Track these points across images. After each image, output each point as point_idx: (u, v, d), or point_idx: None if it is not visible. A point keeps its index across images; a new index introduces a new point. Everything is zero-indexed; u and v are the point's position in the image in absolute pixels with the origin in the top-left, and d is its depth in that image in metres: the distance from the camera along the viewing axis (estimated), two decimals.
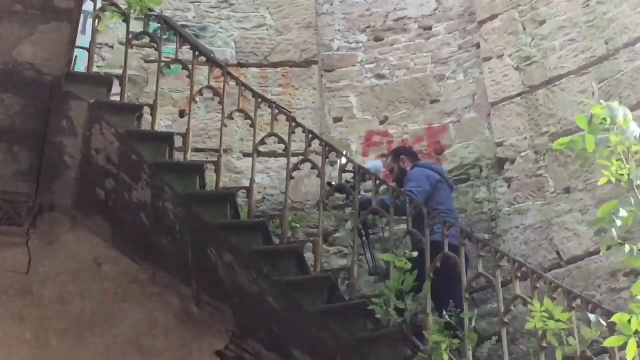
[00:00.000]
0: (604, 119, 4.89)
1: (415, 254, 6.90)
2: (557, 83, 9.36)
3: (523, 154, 9.38)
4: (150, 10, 7.76)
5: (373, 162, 8.86)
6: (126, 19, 7.71)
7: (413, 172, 8.76)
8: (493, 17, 10.22)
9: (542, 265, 8.54)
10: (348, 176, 7.76)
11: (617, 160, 4.94)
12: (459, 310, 6.85)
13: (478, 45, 10.36)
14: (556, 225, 8.82)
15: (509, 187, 9.41)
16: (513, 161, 9.44)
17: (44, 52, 6.62)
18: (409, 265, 6.82)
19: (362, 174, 7.60)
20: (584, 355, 5.96)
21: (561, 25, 9.56)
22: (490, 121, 9.86)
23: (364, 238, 8.55)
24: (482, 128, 9.97)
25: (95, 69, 7.79)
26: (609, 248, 5.15)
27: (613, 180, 5.09)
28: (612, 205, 4.78)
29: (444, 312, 6.80)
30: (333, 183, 7.82)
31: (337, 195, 8.14)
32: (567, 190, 8.88)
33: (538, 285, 6.52)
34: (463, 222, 8.98)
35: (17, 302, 7.62)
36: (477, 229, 8.99)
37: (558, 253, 8.71)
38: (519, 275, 6.61)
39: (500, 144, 9.61)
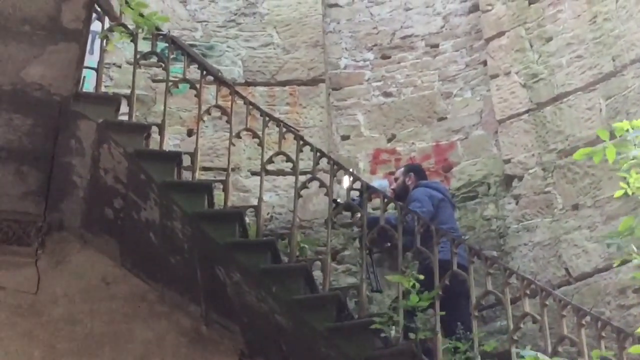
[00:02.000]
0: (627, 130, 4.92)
1: (421, 277, 6.89)
2: (565, 100, 9.36)
3: (531, 171, 9.37)
4: (158, 29, 7.80)
5: (380, 182, 8.86)
6: (134, 39, 7.74)
7: (416, 191, 8.77)
8: (500, 35, 10.23)
9: (551, 282, 8.52)
10: (355, 194, 7.75)
11: (637, 173, 4.97)
12: (468, 332, 6.86)
13: (485, 63, 10.37)
14: (565, 242, 8.80)
15: (517, 204, 9.40)
16: (521, 178, 9.43)
17: (52, 72, 6.64)
18: (417, 286, 6.83)
19: (369, 192, 7.60)
20: None
21: (568, 42, 9.57)
22: (498, 138, 9.85)
23: (367, 255, 8.54)
24: (490, 145, 9.96)
25: (103, 89, 7.81)
26: (623, 262, 5.16)
27: (630, 192, 5.11)
28: (631, 219, 4.80)
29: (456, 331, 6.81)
30: (339, 200, 7.85)
31: (345, 213, 8.13)
32: (576, 207, 8.86)
33: (547, 303, 6.52)
34: (471, 240, 8.96)
35: (27, 322, 7.62)
36: (485, 246, 8.98)
37: (567, 270, 8.68)
38: (528, 292, 6.60)
39: (507, 161, 9.60)
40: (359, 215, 7.69)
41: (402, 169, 9.36)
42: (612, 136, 5.39)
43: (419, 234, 7.18)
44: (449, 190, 9.47)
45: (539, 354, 5.83)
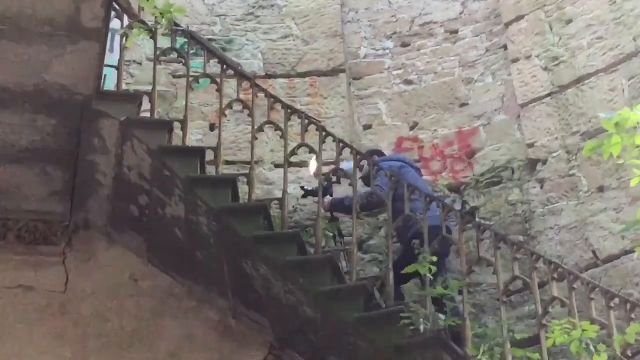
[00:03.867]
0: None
1: (435, 259, 6.94)
2: (587, 82, 9.33)
3: (555, 154, 9.34)
4: (177, 25, 7.81)
5: (348, 164, 8.75)
6: (153, 36, 7.75)
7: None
8: (519, 19, 10.20)
9: (579, 266, 8.49)
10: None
11: None
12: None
13: (505, 47, 10.34)
14: (591, 225, 8.78)
15: (542, 188, 9.37)
16: (545, 162, 9.40)
17: (74, 72, 6.66)
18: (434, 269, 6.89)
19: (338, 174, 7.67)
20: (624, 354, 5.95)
21: (588, 24, 9.53)
22: (521, 122, 9.83)
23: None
24: (513, 130, 9.93)
25: (124, 87, 7.85)
26: None
27: None
28: None
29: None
30: (307, 187, 7.92)
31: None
32: (601, 189, 8.83)
33: (575, 286, 6.51)
34: (497, 225, 8.94)
35: (56, 321, 7.67)
36: (511, 232, 8.97)
37: (594, 252, 8.66)
38: (556, 276, 6.60)
39: (531, 145, 9.58)
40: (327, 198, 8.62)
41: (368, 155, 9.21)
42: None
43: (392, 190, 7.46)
44: (412, 160, 9.53)
45: None
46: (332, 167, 7.75)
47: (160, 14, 7.43)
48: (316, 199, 7.97)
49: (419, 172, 9.28)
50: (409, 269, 7.06)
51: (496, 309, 8.04)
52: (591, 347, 6.01)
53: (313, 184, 8.38)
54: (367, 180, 8.15)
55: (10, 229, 7.82)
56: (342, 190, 8.58)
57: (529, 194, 9.45)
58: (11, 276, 7.78)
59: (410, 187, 7.39)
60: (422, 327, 6.61)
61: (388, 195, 7.46)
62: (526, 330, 8.13)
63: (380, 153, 9.43)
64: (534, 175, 9.49)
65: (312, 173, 8.59)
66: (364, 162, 8.05)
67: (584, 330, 6.03)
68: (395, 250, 8.16)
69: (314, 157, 7.80)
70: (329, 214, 8.95)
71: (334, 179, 8.17)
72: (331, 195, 8.86)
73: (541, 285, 6.85)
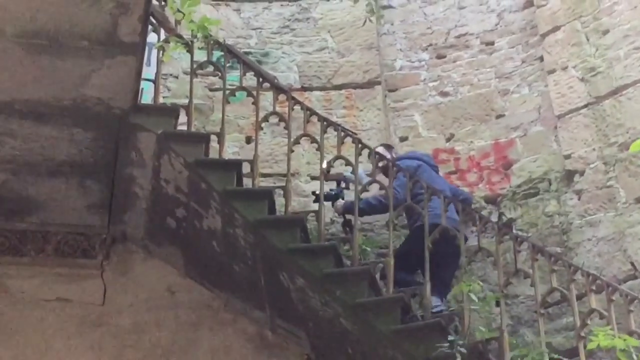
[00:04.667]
0: None
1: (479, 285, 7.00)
2: (624, 92, 9.28)
3: (592, 165, 9.29)
4: (212, 36, 7.84)
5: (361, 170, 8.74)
6: (190, 49, 7.79)
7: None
8: (555, 29, 10.17)
9: (617, 277, 8.43)
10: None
11: None
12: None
13: (541, 58, 10.30)
14: (629, 236, 8.72)
15: (579, 199, 9.32)
16: (582, 173, 9.36)
17: (111, 85, 6.70)
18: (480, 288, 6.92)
19: (430, 192, 7.59)
20: None
21: (625, 34, 9.48)
22: (557, 134, 9.78)
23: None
24: (549, 141, 9.89)
25: (161, 100, 7.88)
26: None
27: None
28: None
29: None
30: (318, 192, 8.01)
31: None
32: (639, 200, 8.77)
33: (614, 298, 6.46)
34: (534, 237, 8.91)
35: (95, 333, 7.71)
36: (548, 243, 8.92)
37: (632, 264, 8.59)
38: (594, 288, 6.56)
39: (568, 156, 9.53)
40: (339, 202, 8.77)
41: (382, 147, 9.18)
42: None
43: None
44: (430, 157, 9.53)
45: None
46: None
47: (196, 26, 7.47)
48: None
49: (436, 169, 9.31)
50: (457, 289, 7.11)
51: (534, 321, 8.03)
52: (633, 356, 5.99)
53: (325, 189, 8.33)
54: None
55: (49, 242, 7.88)
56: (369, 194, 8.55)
57: (566, 205, 9.40)
58: (50, 289, 7.83)
59: (429, 189, 7.45)
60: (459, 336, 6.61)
61: (405, 197, 7.53)
62: (564, 342, 8.09)
63: (389, 147, 9.37)
64: (571, 187, 9.45)
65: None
66: (382, 162, 8.01)
67: (624, 340, 6.00)
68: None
69: (325, 160, 7.82)
70: (365, 226, 8.96)
71: (343, 184, 8.49)
72: (342, 199, 8.93)
73: (579, 297, 6.81)
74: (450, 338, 6.48)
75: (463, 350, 6.35)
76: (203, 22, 7.51)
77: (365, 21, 10.25)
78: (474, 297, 6.84)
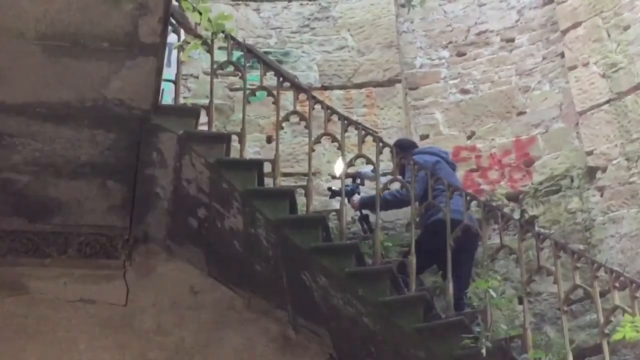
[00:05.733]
0: None
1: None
2: None
3: (614, 162, 9.24)
4: (233, 38, 7.85)
5: (366, 168, 8.75)
6: (210, 49, 7.80)
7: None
8: (576, 25, 10.12)
9: None
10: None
11: None
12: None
13: (562, 55, 10.26)
14: None
15: (601, 195, 9.27)
16: (604, 169, 9.31)
17: (132, 87, 6.72)
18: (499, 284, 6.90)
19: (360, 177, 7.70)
20: None
21: None
22: (579, 130, 9.74)
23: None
24: (571, 137, 9.85)
25: (181, 100, 7.90)
26: None
27: None
28: None
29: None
30: (333, 188, 8.20)
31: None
32: None
33: (637, 295, 6.44)
34: (556, 234, 8.87)
35: (118, 334, 7.73)
36: (571, 240, 8.88)
37: None
38: (617, 285, 6.53)
39: (590, 153, 9.49)
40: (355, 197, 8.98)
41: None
42: None
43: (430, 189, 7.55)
44: (448, 153, 9.49)
45: None
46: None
47: (209, 20, 7.46)
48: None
49: (454, 166, 9.31)
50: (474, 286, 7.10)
51: (557, 319, 8.00)
52: None
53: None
54: (402, 171, 8.21)
55: (72, 243, 7.91)
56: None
57: (588, 202, 9.35)
58: (73, 290, 7.86)
59: (451, 187, 7.49)
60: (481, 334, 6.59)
61: (420, 192, 7.71)
62: (588, 339, 8.06)
63: (404, 144, 9.35)
64: (593, 183, 9.40)
65: (337, 174, 8.65)
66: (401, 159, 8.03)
67: None
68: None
69: (340, 158, 7.82)
70: (386, 225, 8.96)
71: (358, 180, 8.80)
72: (358, 194, 9.02)
73: (602, 294, 6.79)
74: (474, 335, 6.48)
75: (488, 344, 6.35)
76: (218, 18, 7.50)
77: (409, 10, 10.35)
78: (493, 292, 6.82)
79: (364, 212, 9.04)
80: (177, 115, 7.31)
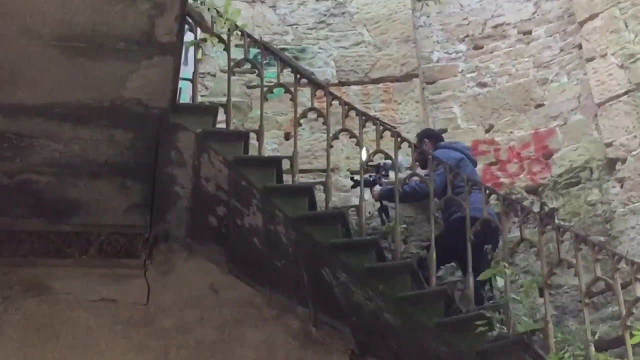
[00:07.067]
0: None
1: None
2: None
3: (634, 153, 9.22)
4: (250, 36, 7.86)
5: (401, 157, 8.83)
6: (226, 47, 7.80)
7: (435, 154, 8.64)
8: (593, 17, 10.09)
9: None
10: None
11: None
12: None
13: (580, 46, 10.24)
14: None
15: (621, 187, 9.25)
16: (624, 161, 9.29)
17: (149, 86, 6.71)
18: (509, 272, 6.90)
19: (471, 184, 7.61)
20: None
21: None
22: (598, 122, 9.72)
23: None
24: (590, 129, 9.83)
25: (199, 99, 7.92)
26: None
27: None
28: None
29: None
30: (356, 178, 8.22)
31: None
32: None
33: None
34: (577, 226, 8.85)
35: (139, 333, 7.72)
36: (591, 232, 8.87)
37: None
38: (639, 276, 6.50)
39: (609, 144, 9.46)
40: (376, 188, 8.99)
41: (417, 140, 9.25)
42: None
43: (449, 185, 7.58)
44: (468, 149, 9.53)
45: None
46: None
47: (219, 16, 7.46)
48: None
49: (475, 162, 9.37)
50: (484, 275, 7.09)
51: (578, 311, 7.98)
52: None
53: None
54: (423, 163, 8.25)
55: (92, 243, 7.91)
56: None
57: (608, 193, 9.33)
58: (93, 290, 7.86)
59: (470, 181, 7.54)
60: (495, 332, 6.59)
61: (439, 187, 7.74)
62: (609, 331, 8.03)
63: (433, 135, 9.39)
64: (613, 175, 9.38)
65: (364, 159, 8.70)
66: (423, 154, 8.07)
67: None
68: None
69: (364, 148, 7.83)
70: (406, 219, 8.97)
71: (383, 172, 8.81)
72: (380, 185, 9.00)
73: (624, 286, 6.77)
74: (495, 330, 6.48)
75: (510, 337, 6.36)
76: (230, 13, 7.51)
77: (422, 6, 10.35)
78: (500, 280, 6.84)
79: (384, 203, 9.05)
80: (195, 113, 7.33)
